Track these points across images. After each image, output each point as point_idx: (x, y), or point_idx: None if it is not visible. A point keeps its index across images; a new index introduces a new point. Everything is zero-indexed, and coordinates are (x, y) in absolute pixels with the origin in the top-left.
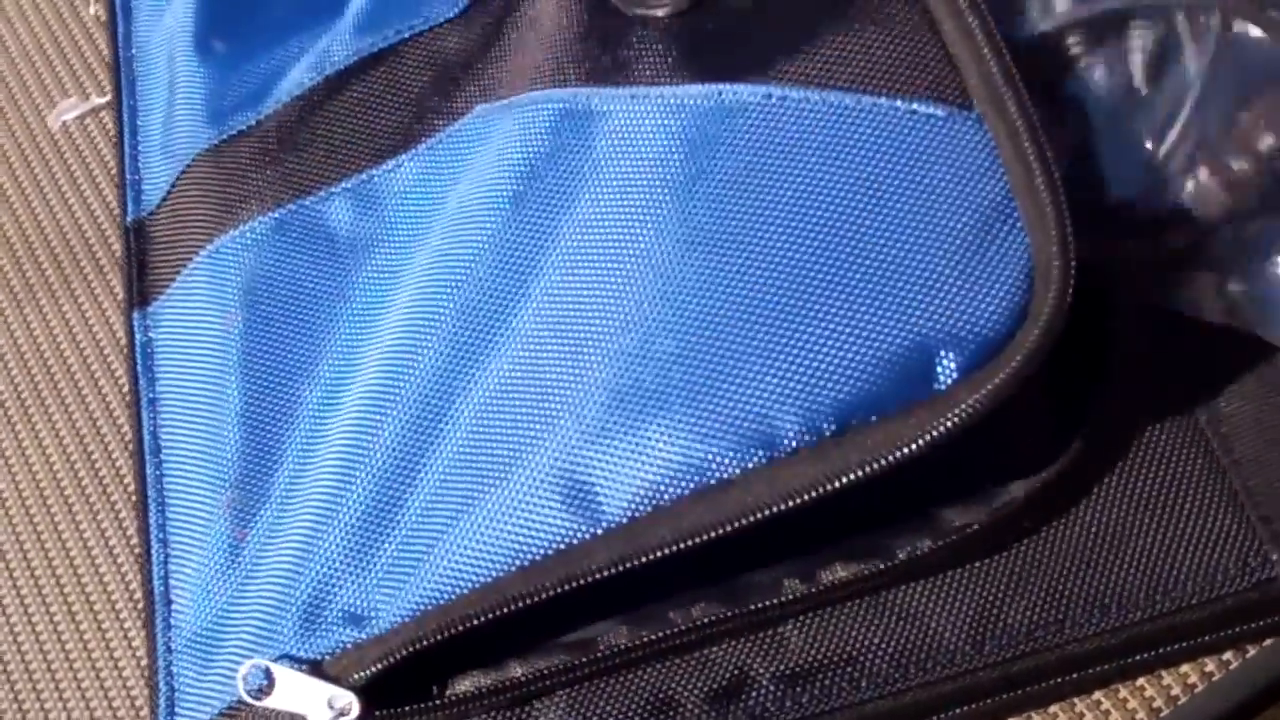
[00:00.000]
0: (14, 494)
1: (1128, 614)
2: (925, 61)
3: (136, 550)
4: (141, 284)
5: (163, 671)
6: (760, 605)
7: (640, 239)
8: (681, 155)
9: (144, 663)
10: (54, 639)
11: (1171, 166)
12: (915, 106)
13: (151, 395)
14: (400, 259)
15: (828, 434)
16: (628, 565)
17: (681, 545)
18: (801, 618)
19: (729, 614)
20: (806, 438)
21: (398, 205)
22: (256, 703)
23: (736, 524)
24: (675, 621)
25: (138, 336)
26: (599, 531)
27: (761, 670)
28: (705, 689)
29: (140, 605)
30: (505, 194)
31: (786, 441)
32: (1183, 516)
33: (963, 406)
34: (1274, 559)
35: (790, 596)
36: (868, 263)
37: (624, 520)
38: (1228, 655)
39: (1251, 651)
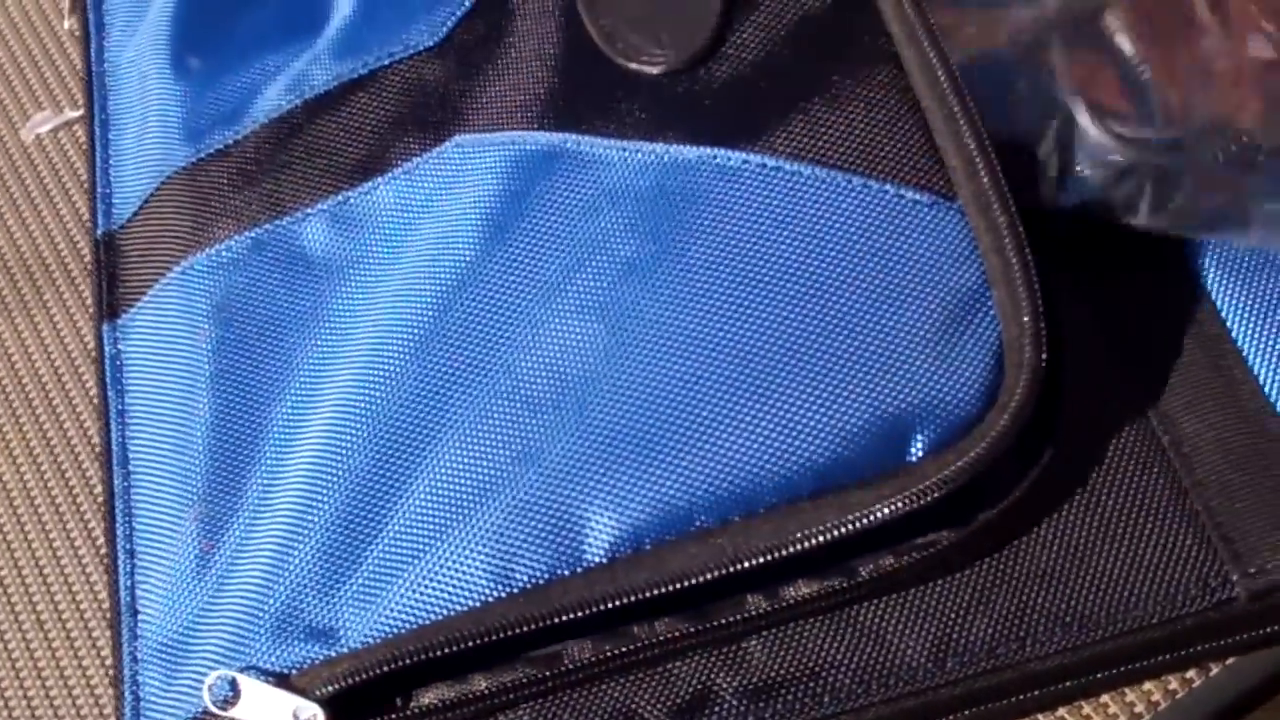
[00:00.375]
0: None
1: (1089, 633)
2: (911, 147)
3: (106, 560)
4: (111, 296)
5: (128, 681)
6: (724, 621)
7: (623, 290)
8: (669, 213)
9: (112, 673)
10: (22, 647)
11: None
12: (901, 191)
13: (120, 406)
14: (375, 282)
15: (804, 494)
16: (605, 605)
17: (660, 590)
18: (765, 633)
19: (693, 629)
20: (784, 496)
21: (373, 228)
22: (222, 713)
23: (714, 573)
24: (639, 636)
25: (107, 348)
26: (579, 569)
27: (725, 685)
28: (669, 703)
29: (109, 615)
30: (482, 229)
31: (765, 498)
32: (1144, 536)
33: (931, 481)
34: (1234, 579)
35: (753, 612)
36: (847, 335)
37: (604, 560)
38: (1191, 673)
39: (1215, 670)
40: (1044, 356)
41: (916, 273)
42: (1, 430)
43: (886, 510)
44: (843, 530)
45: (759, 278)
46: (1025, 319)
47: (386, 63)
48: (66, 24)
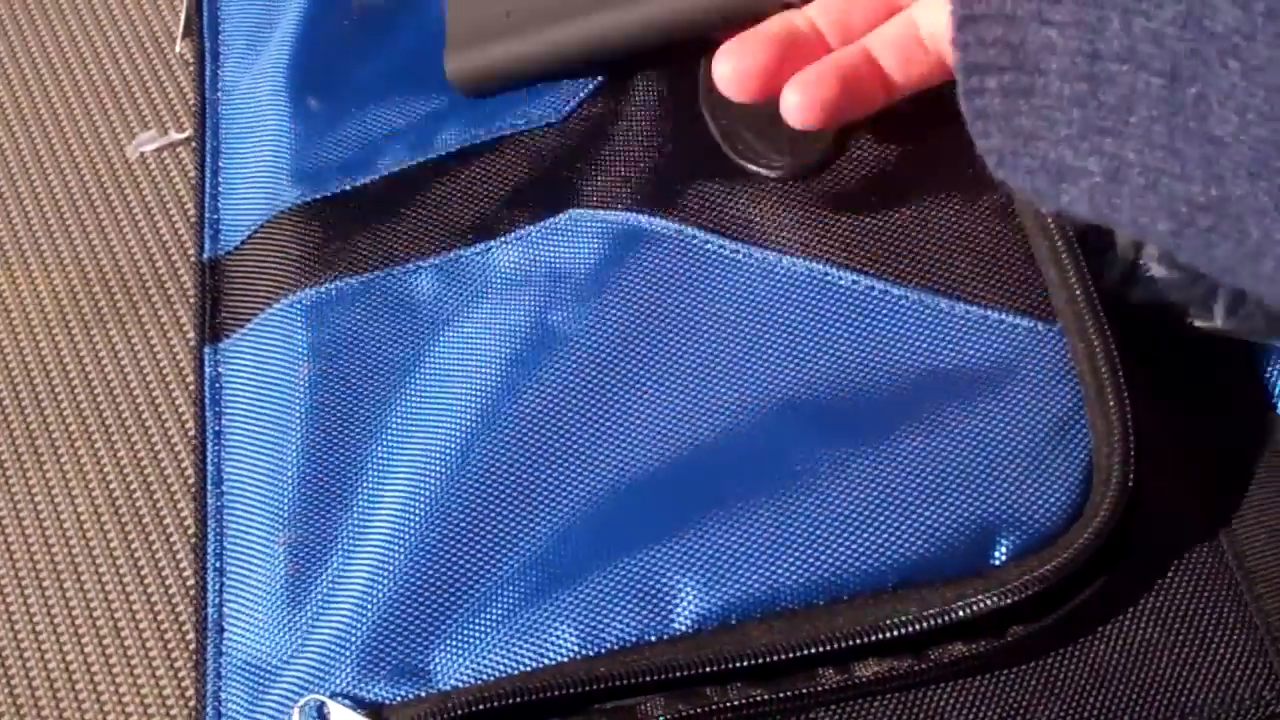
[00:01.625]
0: (71, 514)
1: None
2: (1017, 277)
3: (185, 575)
4: (214, 320)
5: (210, 696)
6: (795, 691)
7: (724, 385)
8: (776, 322)
9: (188, 693)
10: (100, 657)
11: None
12: (1004, 317)
13: (217, 428)
14: (477, 339)
15: (888, 585)
16: (686, 671)
17: (740, 663)
18: (833, 706)
19: (764, 696)
20: (869, 587)
21: (481, 286)
22: None
23: (794, 653)
24: (711, 698)
25: (208, 370)
26: (665, 637)
27: None
28: None
29: (188, 634)
30: (588, 302)
31: (850, 586)
32: (1204, 644)
33: (1012, 585)
34: None
35: (824, 686)
36: (948, 446)
37: (689, 630)
38: None
39: None
40: (1131, 478)
41: (1016, 392)
42: (93, 443)
43: (966, 610)
44: (921, 625)
45: (861, 391)
46: (1115, 442)
47: (509, 133)
48: (177, 48)
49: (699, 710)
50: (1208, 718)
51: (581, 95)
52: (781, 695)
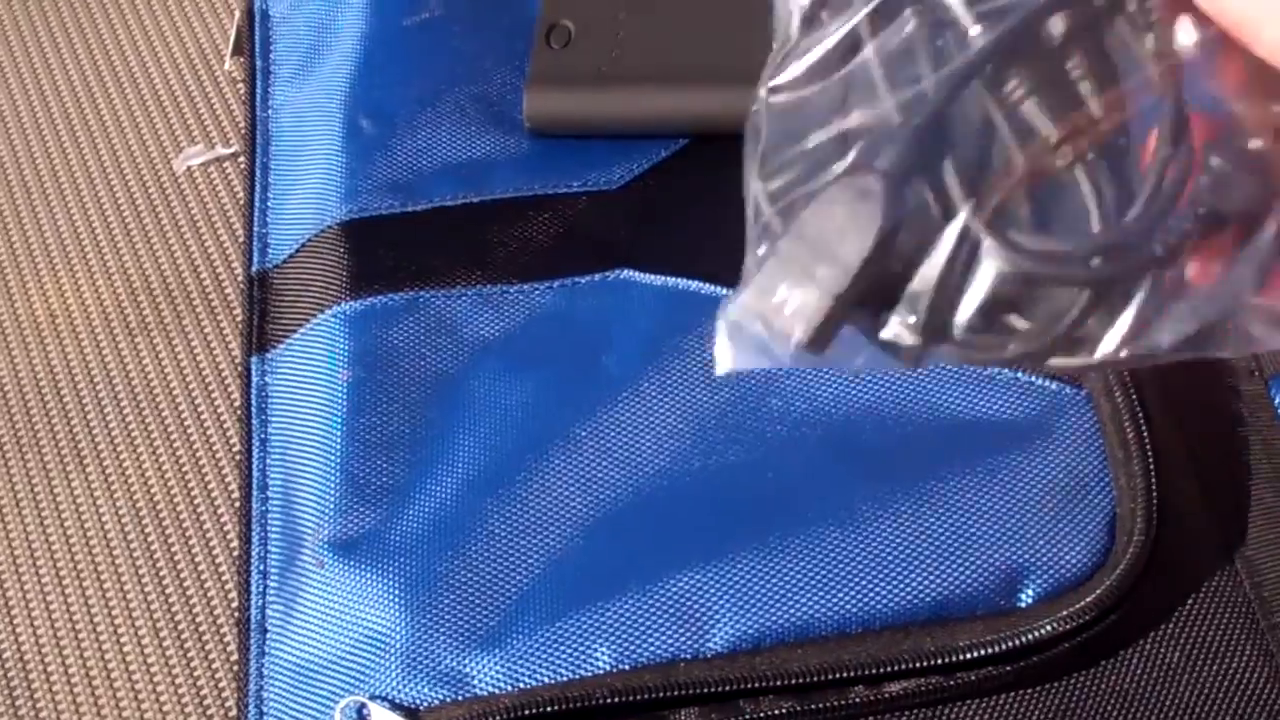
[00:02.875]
0: (113, 518)
1: None
2: None
3: (225, 580)
4: (262, 331)
5: (253, 696)
6: (827, 705)
7: (783, 425)
8: (827, 370)
9: (225, 696)
10: (142, 667)
11: None
12: (1038, 381)
13: (263, 435)
14: (527, 365)
15: (920, 619)
16: (720, 688)
17: (773, 682)
18: (860, 719)
19: (796, 709)
20: (900, 620)
21: (524, 319)
22: None
23: (825, 676)
24: (744, 710)
25: (254, 380)
26: (700, 656)
27: None
28: None
29: (226, 639)
30: (635, 355)
31: (885, 619)
32: (1221, 670)
33: (1036, 625)
34: None
35: (856, 700)
36: (982, 493)
37: (724, 651)
38: None
39: None
40: (1154, 530)
41: (1047, 448)
42: (133, 444)
43: (992, 649)
44: (949, 659)
45: (902, 436)
46: (1139, 498)
47: (568, 191)
48: (227, 65)
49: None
50: None
51: (645, 166)
52: (813, 708)
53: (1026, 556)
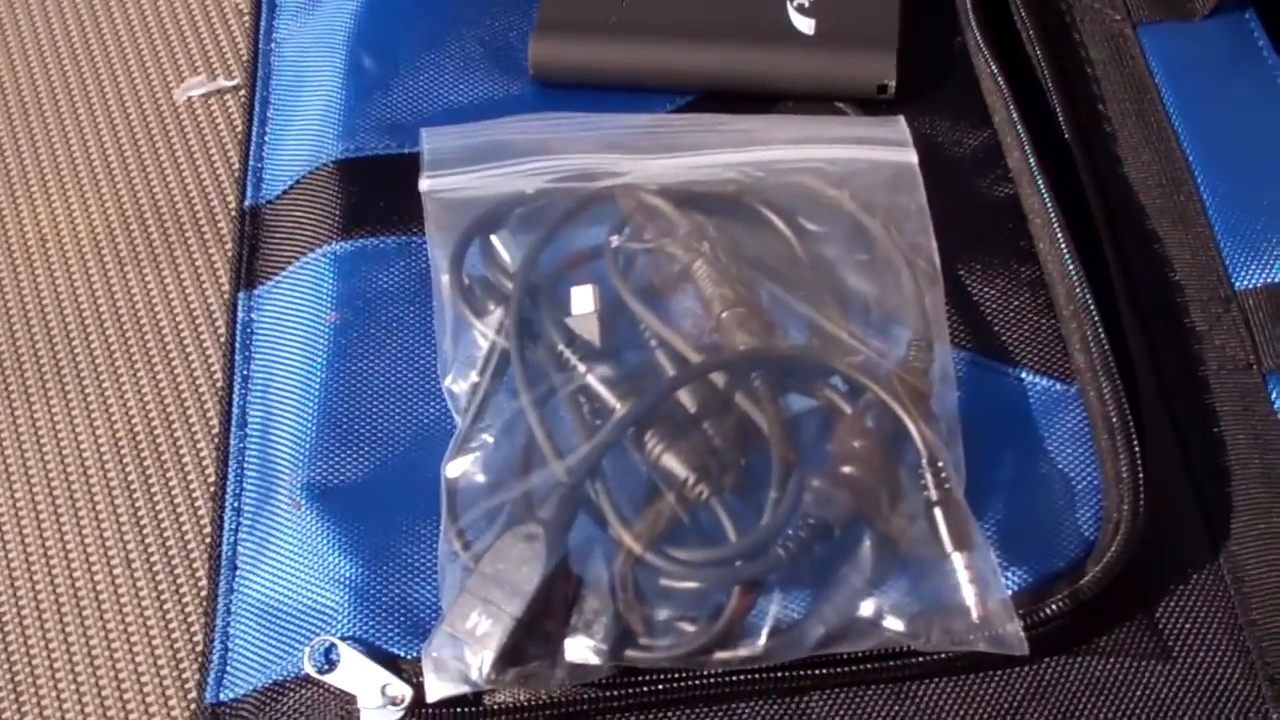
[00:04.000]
0: (91, 445)
1: None
2: (1043, 340)
3: (200, 514)
4: (250, 267)
5: (219, 633)
6: (790, 675)
7: None
8: None
9: (194, 630)
10: (112, 596)
11: None
12: (1025, 375)
13: (246, 372)
14: None
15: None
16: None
17: None
18: (828, 691)
19: (759, 675)
20: None
21: None
22: (318, 677)
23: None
24: (709, 672)
25: (240, 315)
26: None
27: None
28: None
29: (198, 572)
30: None
31: None
32: (1194, 663)
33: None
34: (1274, 718)
35: (818, 673)
36: (972, 488)
37: None
38: None
39: None
40: (1138, 525)
41: (1036, 443)
42: (116, 373)
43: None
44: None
45: None
46: (1125, 493)
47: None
48: None
49: (696, 681)
50: None
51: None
52: (777, 676)
53: (1011, 547)
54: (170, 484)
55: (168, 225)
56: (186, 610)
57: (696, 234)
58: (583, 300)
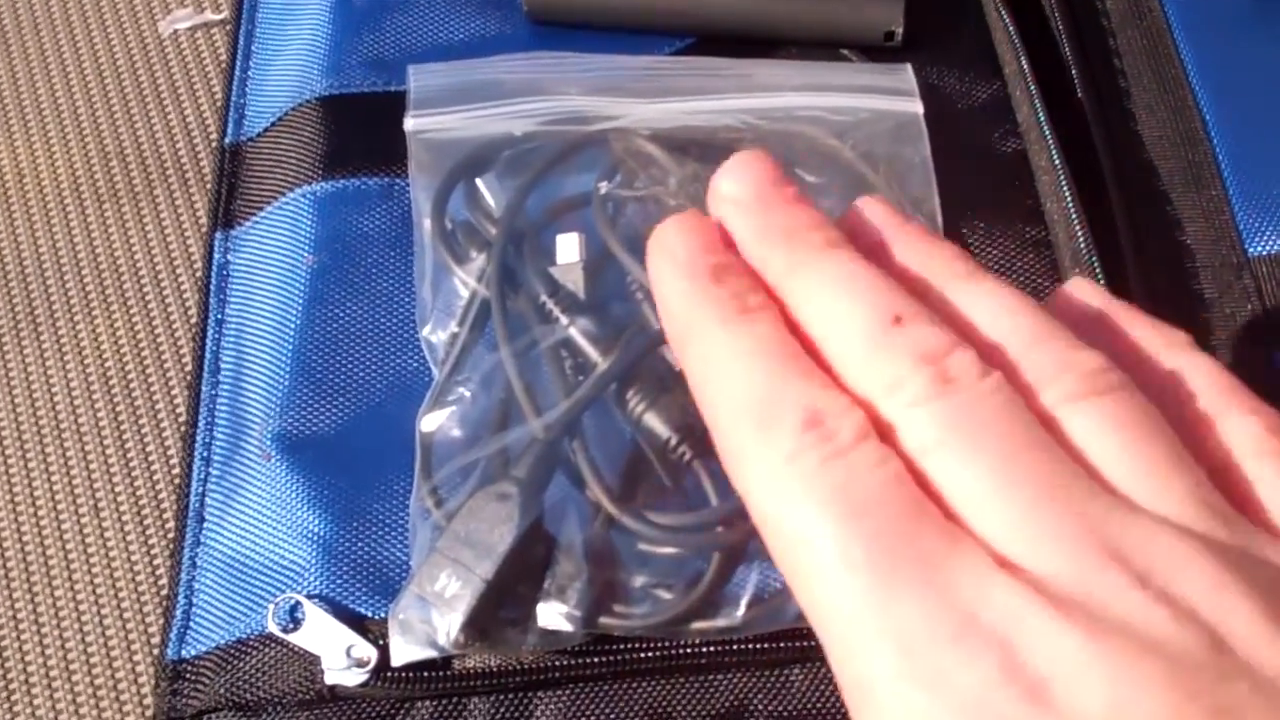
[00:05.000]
0: (62, 387)
1: None
2: None
3: (171, 461)
4: (229, 207)
5: (183, 587)
6: (769, 645)
7: None
8: None
9: (162, 581)
10: (78, 543)
11: None
12: None
13: (220, 316)
14: None
15: None
16: None
17: None
18: (809, 664)
19: (737, 646)
20: None
21: None
22: (282, 635)
23: None
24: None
25: (216, 256)
26: None
27: (761, 707)
28: (703, 713)
29: (167, 521)
30: None
31: None
32: None
33: None
34: None
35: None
36: None
37: None
38: None
39: None
40: None
41: None
42: (90, 313)
43: None
44: None
45: None
46: None
47: None
48: None
49: (674, 650)
50: None
51: None
52: (752, 648)
53: None
54: (143, 431)
55: (149, 163)
56: (155, 563)
57: (690, 182)
58: (568, 249)
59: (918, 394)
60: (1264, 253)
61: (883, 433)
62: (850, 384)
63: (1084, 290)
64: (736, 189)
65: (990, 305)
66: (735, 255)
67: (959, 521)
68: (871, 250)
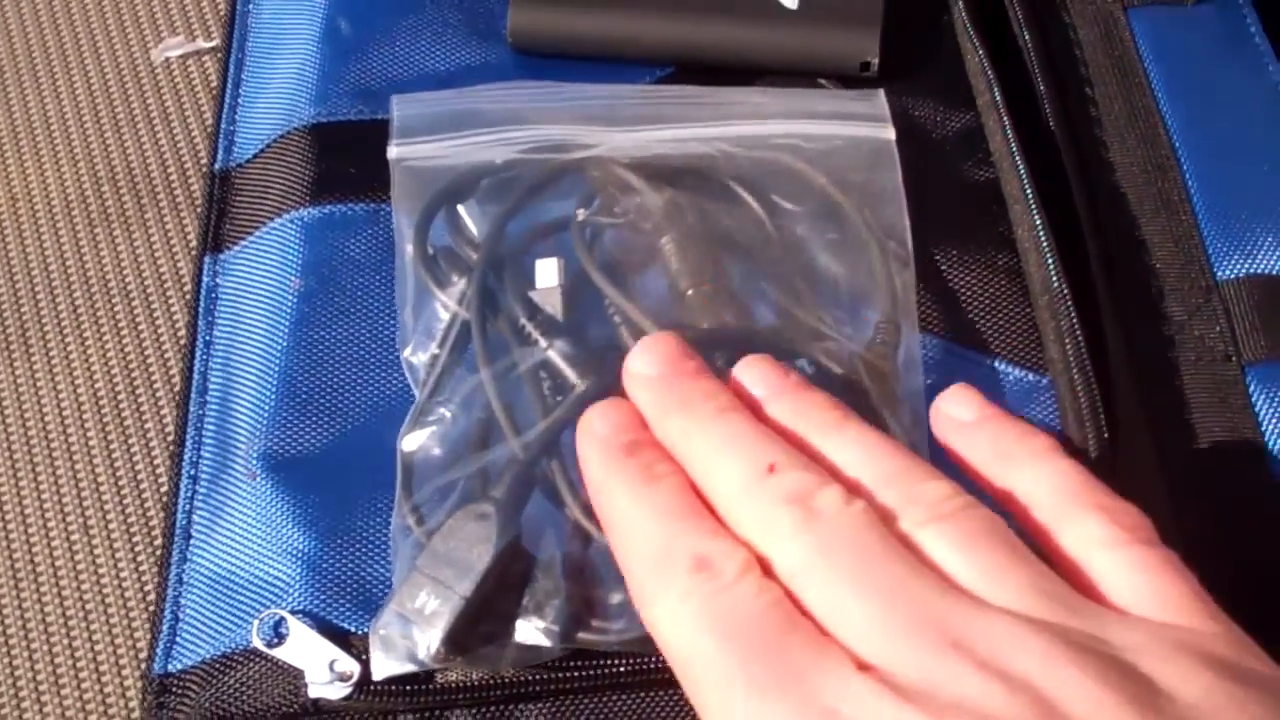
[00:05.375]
0: (54, 408)
1: None
2: (1019, 332)
3: (160, 480)
4: (218, 231)
5: (170, 603)
6: None
7: None
8: None
9: (150, 598)
10: (68, 559)
11: None
12: (998, 365)
13: (208, 338)
14: None
15: None
16: None
17: None
18: None
19: None
20: None
21: None
22: (267, 651)
23: None
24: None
25: (205, 280)
26: None
27: None
28: None
29: (156, 539)
30: None
31: None
32: None
33: None
34: None
35: None
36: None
37: None
38: None
39: None
40: None
41: None
42: (81, 335)
43: None
44: None
45: None
46: None
47: None
48: None
49: (656, 665)
50: None
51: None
52: None
53: None
54: (132, 451)
55: (140, 188)
56: (144, 579)
57: (666, 209)
58: (547, 273)
59: (788, 529)
60: (1232, 276)
61: (765, 567)
62: (735, 528)
63: (961, 401)
64: (645, 368)
65: (855, 448)
66: (648, 431)
67: (829, 634)
68: (756, 406)
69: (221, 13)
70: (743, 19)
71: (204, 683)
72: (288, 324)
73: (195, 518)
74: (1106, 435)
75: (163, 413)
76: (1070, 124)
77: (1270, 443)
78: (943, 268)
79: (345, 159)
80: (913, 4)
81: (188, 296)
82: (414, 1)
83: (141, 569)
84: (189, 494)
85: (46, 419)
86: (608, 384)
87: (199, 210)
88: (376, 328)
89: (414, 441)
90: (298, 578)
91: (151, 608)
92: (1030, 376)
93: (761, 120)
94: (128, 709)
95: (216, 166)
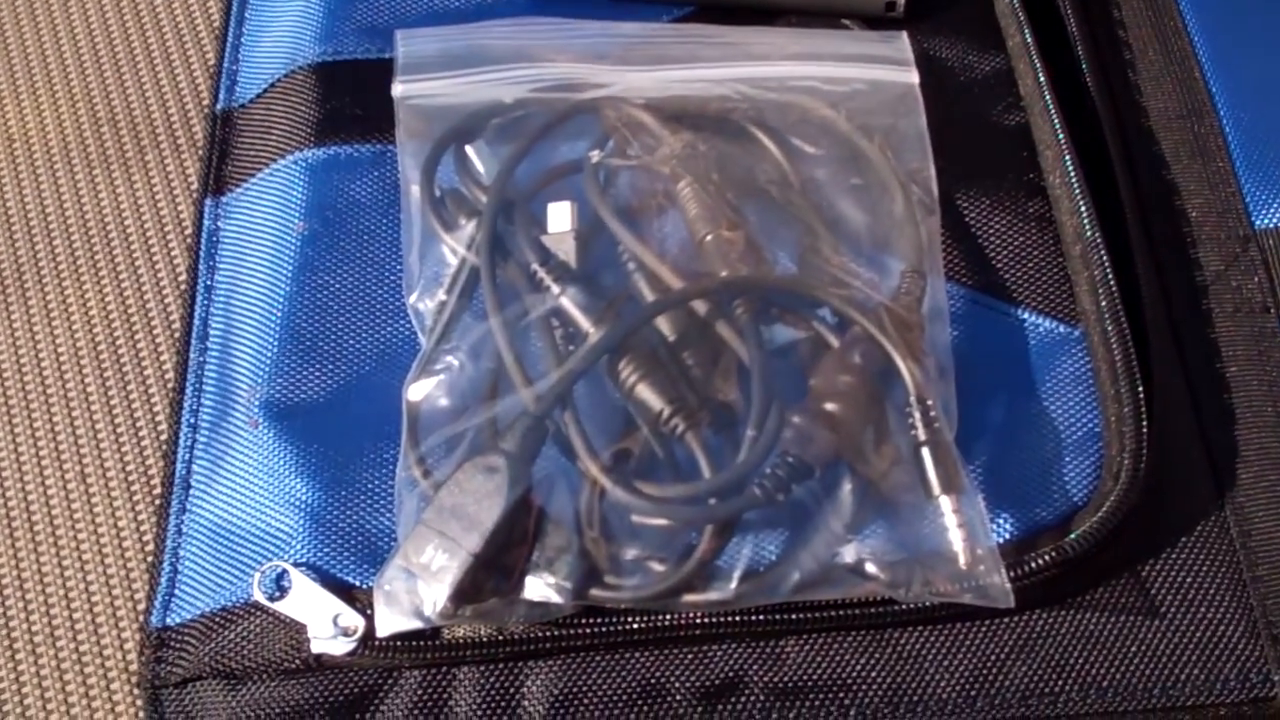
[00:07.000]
0: (50, 352)
1: (1123, 700)
2: (1050, 282)
3: (159, 427)
4: (220, 173)
5: (169, 554)
6: (764, 616)
7: None
8: None
9: (149, 548)
10: (64, 509)
11: None
12: (1027, 315)
13: (209, 282)
14: None
15: None
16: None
17: None
18: (803, 636)
19: (729, 618)
20: None
21: None
22: (268, 604)
23: None
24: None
25: (206, 222)
26: None
27: (756, 678)
28: (697, 684)
29: (155, 488)
30: None
31: None
32: (1195, 618)
33: (1013, 560)
34: (1275, 679)
35: (795, 618)
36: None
37: None
38: None
39: None
40: (1140, 473)
41: (1036, 388)
42: (79, 279)
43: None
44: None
45: None
46: (1127, 440)
47: None
48: None
49: (669, 621)
50: (1188, 692)
51: None
52: (754, 620)
53: (1002, 494)
54: (131, 398)
55: (140, 129)
56: (142, 530)
57: (683, 152)
58: (560, 218)
59: None
60: (1271, 225)
61: None
62: None
63: None
64: None
65: None
66: None
67: None
68: None
69: None
70: None
71: (203, 636)
72: (291, 268)
73: (195, 467)
74: (1141, 389)
75: (162, 359)
76: (1103, 67)
77: None
78: (969, 215)
79: (351, 98)
80: None
81: (188, 240)
82: None
83: (140, 519)
84: (189, 442)
85: (44, 365)
86: (624, 333)
87: (200, 151)
88: (384, 272)
89: (420, 390)
90: (300, 529)
91: (150, 559)
92: (1061, 328)
93: (780, 61)
94: (125, 662)
95: (218, 106)
